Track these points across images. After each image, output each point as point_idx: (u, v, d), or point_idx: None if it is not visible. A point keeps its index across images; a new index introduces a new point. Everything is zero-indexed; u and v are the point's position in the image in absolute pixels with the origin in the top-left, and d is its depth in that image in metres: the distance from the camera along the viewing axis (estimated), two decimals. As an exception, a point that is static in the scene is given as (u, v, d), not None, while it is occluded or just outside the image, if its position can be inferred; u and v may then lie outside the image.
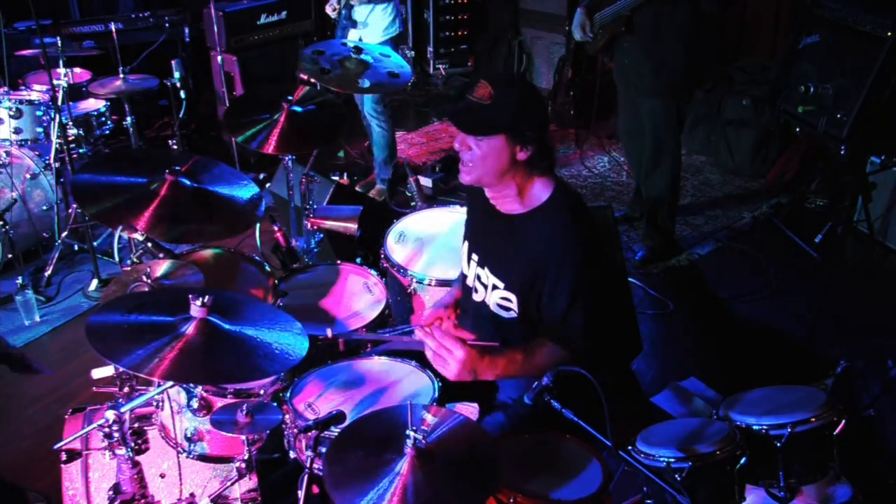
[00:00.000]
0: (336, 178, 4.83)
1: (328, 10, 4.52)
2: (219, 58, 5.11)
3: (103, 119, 4.47)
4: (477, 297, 2.31)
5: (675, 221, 4.45)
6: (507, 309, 2.21)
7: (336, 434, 1.94)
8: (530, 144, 2.07)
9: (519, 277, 2.16)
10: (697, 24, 3.88)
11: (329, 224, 3.32)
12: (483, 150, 2.08)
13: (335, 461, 1.81)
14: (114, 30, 4.61)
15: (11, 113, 4.06)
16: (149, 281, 2.31)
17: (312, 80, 3.61)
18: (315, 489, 2.20)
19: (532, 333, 2.17)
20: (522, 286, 2.16)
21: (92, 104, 4.46)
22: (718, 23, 5.29)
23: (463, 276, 2.41)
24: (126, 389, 2.54)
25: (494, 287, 2.22)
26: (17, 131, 4.10)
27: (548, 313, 2.12)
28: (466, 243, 2.38)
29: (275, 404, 2.23)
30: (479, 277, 2.29)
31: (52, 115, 4.07)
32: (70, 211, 4.23)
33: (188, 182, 2.59)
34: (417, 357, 2.33)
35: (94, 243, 4.17)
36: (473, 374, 2.04)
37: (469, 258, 2.35)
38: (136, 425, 2.23)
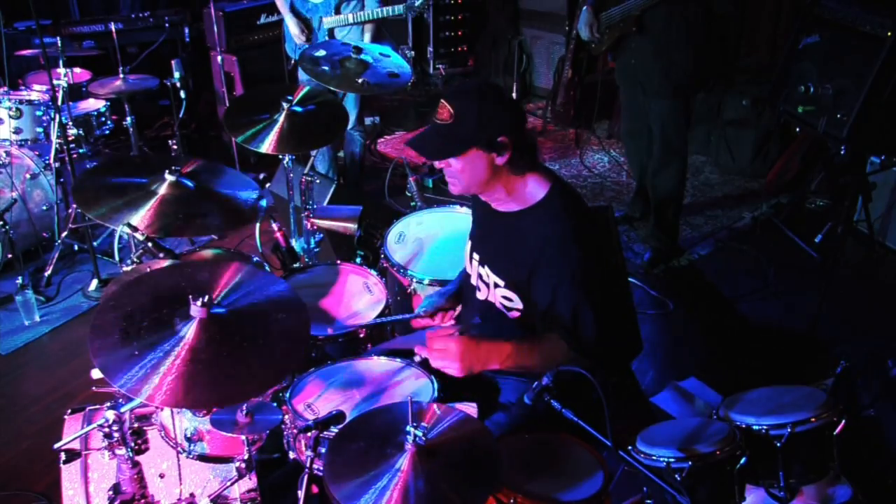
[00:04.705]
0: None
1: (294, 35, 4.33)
2: (219, 58, 5.11)
3: (103, 119, 4.47)
4: (480, 296, 2.31)
5: (679, 221, 4.45)
6: (510, 308, 2.21)
7: (336, 431, 1.94)
8: (505, 148, 2.06)
9: (516, 276, 2.16)
10: (708, 25, 3.88)
11: (329, 224, 3.33)
12: (460, 165, 2.08)
13: (336, 457, 1.80)
14: (114, 30, 4.62)
15: (11, 113, 4.06)
16: (149, 281, 2.31)
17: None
18: (315, 489, 2.20)
19: (536, 330, 2.17)
20: (520, 284, 2.15)
21: (92, 104, 4.46)
22: (732, 23, 5.31)
23: (467, 275, 2.41)
24: (126, 389, 2.53)
25: (496, 285, 2.22)
26: (17, 131, 4.10)
27: (554, 314, 2.10)
28: (469, 242, 2.39)
29: (275, 404, 2.23)
30: (480, 276, 2.30)
31: (52, 115, 4.07)
32: (70, 211, 4.23)
33: (189, 183, 2.60)
34: (417, 357, 2.33)
35: (94, 243, 4.17)
36: (480, 364, 2.03)
37: (471, 257, 2.35)
38: (135, 425, 2.22)
